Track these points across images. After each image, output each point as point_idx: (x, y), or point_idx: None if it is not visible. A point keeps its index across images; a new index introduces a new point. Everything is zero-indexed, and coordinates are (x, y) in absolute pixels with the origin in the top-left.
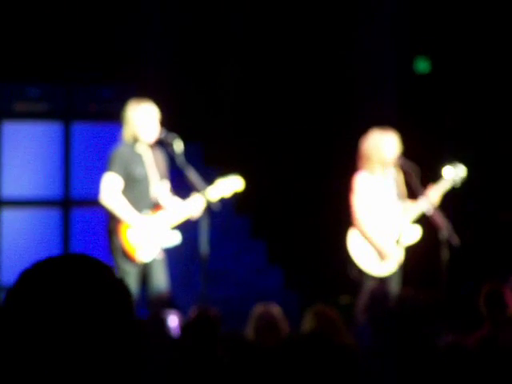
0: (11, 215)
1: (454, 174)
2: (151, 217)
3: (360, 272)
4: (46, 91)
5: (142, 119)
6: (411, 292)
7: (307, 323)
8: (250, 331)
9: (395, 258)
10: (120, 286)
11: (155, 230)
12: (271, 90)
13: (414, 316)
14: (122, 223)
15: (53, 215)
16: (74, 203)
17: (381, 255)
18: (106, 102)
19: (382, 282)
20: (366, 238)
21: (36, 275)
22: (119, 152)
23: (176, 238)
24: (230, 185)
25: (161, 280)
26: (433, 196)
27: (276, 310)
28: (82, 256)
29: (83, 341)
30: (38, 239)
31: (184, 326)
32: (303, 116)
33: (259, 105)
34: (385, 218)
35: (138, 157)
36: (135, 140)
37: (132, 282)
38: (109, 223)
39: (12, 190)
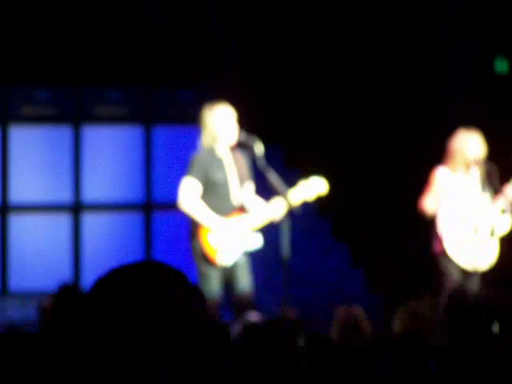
0: (92, 219)
1: None
2: (232, 220)
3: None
4: (127, 94)
5: (220, 122)
6: (490, 292)
7: (399, 322)
8: (333, 333)
9: (488, 253)
10: (194, 293)
11: (236, 233)
12: (353, 91)
13: (491, 316)
14: (202, 227)
15: (135, 219)
16: (156, 206)
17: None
18: (185, 106)
19: (463, 281)
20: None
21: (110, 283)
22: (199, 157)
23: (258, 241)
24: (313, 187)
25: (244, 283)
26: (510, 194)
27: (359, 311)
28: (156, 262)
29: (157, 348)
30: (120, 243)
31: (263, 327)
32: (387, 117)
33: (341, 105)
34: (465, 214)
35: (218, 161)
36: (215, 143)
37: (214, 286)
38: (190, 227)
39: (93, 193)
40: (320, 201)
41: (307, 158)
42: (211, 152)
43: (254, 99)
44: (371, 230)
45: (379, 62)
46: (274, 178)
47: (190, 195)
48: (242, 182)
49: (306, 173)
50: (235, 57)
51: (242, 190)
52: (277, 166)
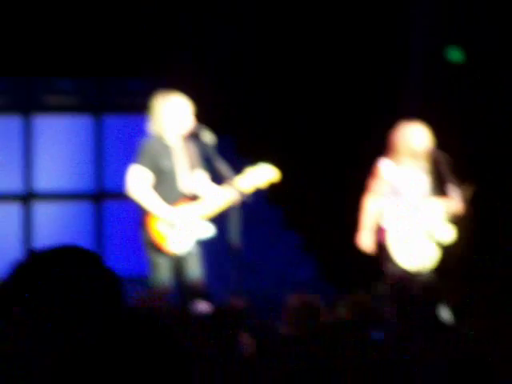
0: (44, 208)
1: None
2: (181, 208)
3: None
4: (76, 84)
5: (171, 112)
6: (437, 282)
7: (341, 313)
8: (285, 322)
9: (427, 255)
10: (108, 275)
11: (186, 221)
12: (303, 81)
13: (436, 305)
14: (151, 215)
15: (86, 208)
16: (107, 195)
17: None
18: (136, 95)
19: (405, 271)
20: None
21: (27, 266)
22: (148, 144)
23: (209, 230)
24: (263, 174)
25: (195, 272)
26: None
27: (314, 298)
28: (73, 247)
29: (68, 328)
30: (71, 232)
31: (210, 316)
32: (335, 106)
33: (291, 96)
34: (407, 213)
35: (167, 149)
36: (164, 132)
37: (164, 274)
38: (140, 215)
39: (44, 183)
40: (270, 189)
41: (258, 148)
42: (160, 140)
43: (205, 89)
44: (321, 218)
45: (326, 52)
46: (223, 167)
47: (138, 183)
48: (191, 170)
49: (256, 162)
50: (186, 46)
51: (192, 179)
52: (228, 156)
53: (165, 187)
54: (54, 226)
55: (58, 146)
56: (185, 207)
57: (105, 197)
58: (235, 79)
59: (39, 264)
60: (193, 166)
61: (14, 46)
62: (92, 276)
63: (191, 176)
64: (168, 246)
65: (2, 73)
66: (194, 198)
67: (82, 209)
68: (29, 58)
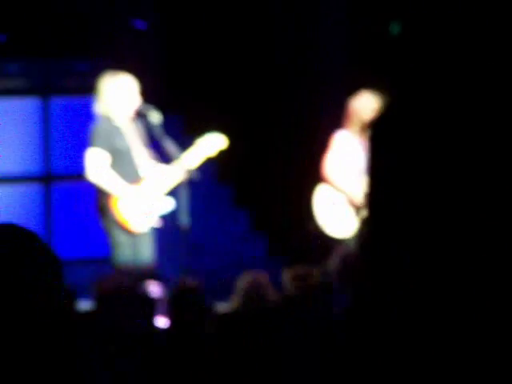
0: None
1: None
2: (141, 186)
3: (320, 230)
4: (23, 67)
5: (118, 92)
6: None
7: (286, 287)
8: (236, 301)
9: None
10: (47, 252)
11: (147, 198)
12: (251, 58)
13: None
14: (112, 197)
15: (34, 191)
16: (55, 178)
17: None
18: (83, 76)
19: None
20: (337, 190)
21: None
22: (99, 127)
23: (170, 204)
24: (212, 143)
25: (148, 252)
26: None
27: (263, 277)
28: (7, 225)
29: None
30: (19, 215)
31: (170, 300)
32: (284, 82)
33: (239, 73)
34: (358, 180)
35: (118, 129)
36: (112, 113)
37: (127, 253)
38: (99, 199)
39: None
40: (220, 166)
41: (207, 127)
42: (110, 121)
43: (154, 69)
44: (272, 196)
45: (273, 23)
46: (171, 147)
47: (96, 165)
48: (143, 149)
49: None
50: (134, 26)
51: (145, 157)
52: (176, 135)
53: (123, 167)
54: (2, 208)
55: (6, 128)
56: (144, 185)
57: (53, 179)
58: (181, 57)
59: None
60: (143, 146)
61: None
62: (28, 253)
63: (145, 155)
64: (132, 225)
65: None
66: (149, 176)
67: (31, 191)
68: None
